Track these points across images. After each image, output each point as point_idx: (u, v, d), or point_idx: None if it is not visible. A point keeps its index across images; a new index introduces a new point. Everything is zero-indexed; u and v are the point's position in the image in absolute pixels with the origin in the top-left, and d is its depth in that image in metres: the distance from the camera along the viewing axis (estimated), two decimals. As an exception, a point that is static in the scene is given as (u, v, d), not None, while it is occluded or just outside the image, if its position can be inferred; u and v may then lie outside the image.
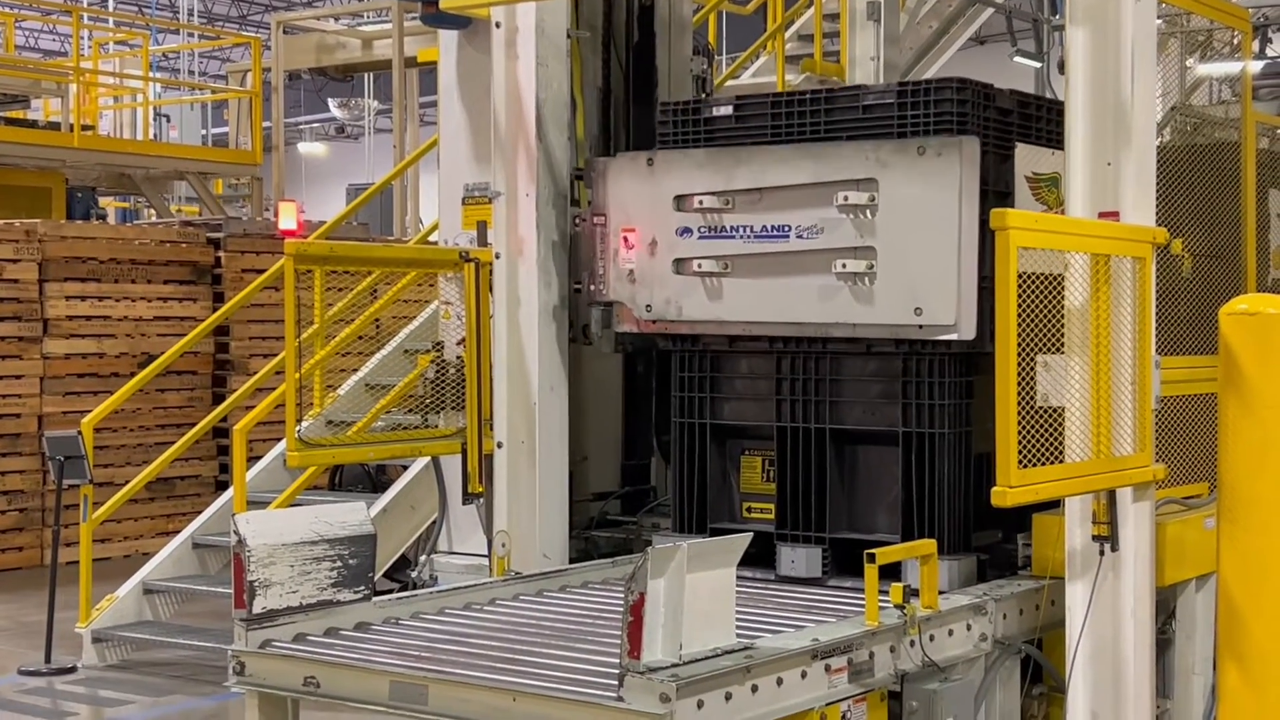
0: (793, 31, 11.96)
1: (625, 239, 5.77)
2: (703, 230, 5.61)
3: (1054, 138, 5.44)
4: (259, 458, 9.85)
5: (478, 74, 6.79)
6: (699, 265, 5.60)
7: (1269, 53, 14.87)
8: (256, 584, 4.59)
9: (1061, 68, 5.07)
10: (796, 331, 5.48)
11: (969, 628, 4.93)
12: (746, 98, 5.79)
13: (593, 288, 5.88)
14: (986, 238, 5.12)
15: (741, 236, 5.54)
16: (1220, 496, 4.76)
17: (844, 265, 5.29)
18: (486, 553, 6.04)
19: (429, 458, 7.88)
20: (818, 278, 5.37)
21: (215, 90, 23.95)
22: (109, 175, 16.97)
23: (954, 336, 5.16)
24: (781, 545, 5.48)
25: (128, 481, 10.00)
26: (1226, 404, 4.71)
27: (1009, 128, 5.43)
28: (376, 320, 9.51)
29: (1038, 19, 14.38)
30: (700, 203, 5.58)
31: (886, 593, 4.58)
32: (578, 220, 5.95)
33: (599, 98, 6.54)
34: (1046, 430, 4.46)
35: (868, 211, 5.26)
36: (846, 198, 5.27)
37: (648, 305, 5.74)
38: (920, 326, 5.21)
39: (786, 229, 5.44)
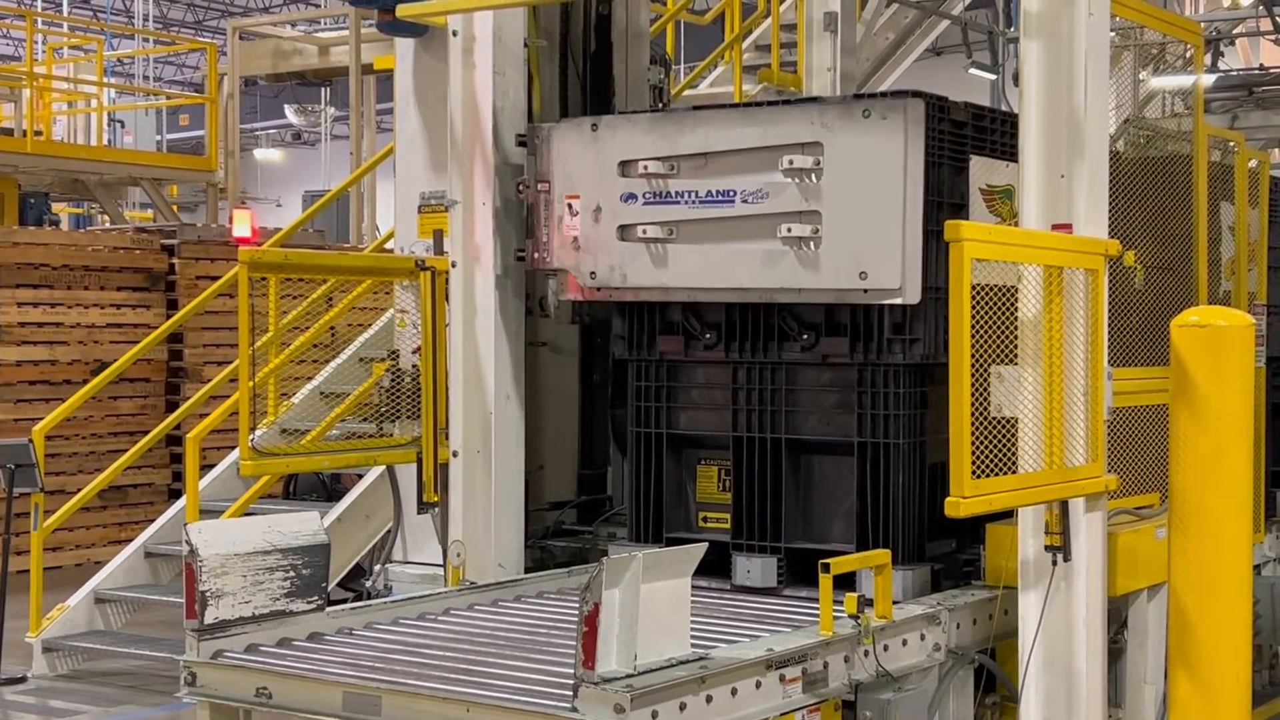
0: (750, 42, 11.98)
1: (569, 206, 5.75)
2: (648, 196, 5.59)
3: (1008, 150, 5.48)
4: (212, 466, 9.78)
5: (435, 82, 6.76)
6: (644, 231, 5.57)
7: (1221, 66, 15.01)
8: (208, 594, 4.56)
9: (1017, 80, 5.10)
10: (741, 297, 5.47)
11: (923, 637, 4.94)
12: (704, 107, 5.80)
13: (536, 255, 5.84)
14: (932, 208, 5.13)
15: (686, 202, 5.52)
16: (1171, 507, 4.80)
17: (789, 229, 5.28)
18: (441, 562, 6.02)
19: (384, 467, 7.84)
20: (763, 242, 5.36)
21: (170, 96, 23.80)
22: (62, 181, 16.83)
23: (899, 301, 5.17)
24: (737, 555, 5.48)
25: (80, 489, 9.92)
26: (1178, 415, 4.74)
27: (963, 140, 5.46)
28: (332, 328, 9.47)
29: (993, 31, 14.47)
30: (645, 168, 5.56)
31: (841, 602, 4.59)
32: (521, 187, 5.91)
33: (556, 107, 6.53)
34: (1000, 441, 4.48)
35: (813, 175, 5.26)
36: (791, 161, 5.26)
37: (592, 273, 5.71)
38: (865, 291, 5.21)
39: (731, 194, 5.43)
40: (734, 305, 5.56)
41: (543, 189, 5.79)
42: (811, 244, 5.26)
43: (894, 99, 5.18)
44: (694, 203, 5.50)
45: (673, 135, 5.54)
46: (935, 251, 5.16)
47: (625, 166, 5.64)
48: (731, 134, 5.43)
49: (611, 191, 5.65)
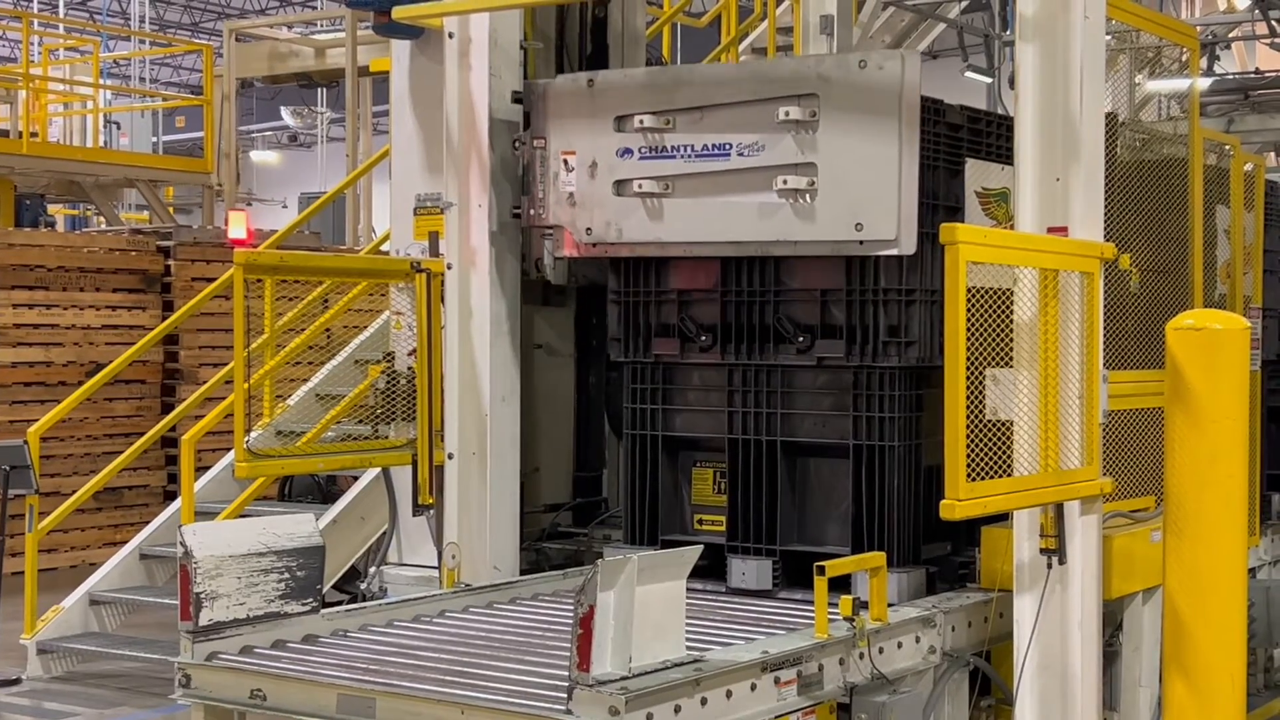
0: (746, 45, 11.99)
1: (565, 162, 5.75)
2: (643, 151, 5.59)
3: (1004, 153, 5.48)
4: (208, 468, 9.78)
5: (430, 84, 6.76)
6: (639, 186, 5.57)
7: (1217, 70, 15.02)
8: (203, 596, 4.56)
9: (1012, 83, 5.11)
10: (737, 251, 5.47)
11: (918, 640, 4.94)
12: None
13: (532, 212, 5.84)
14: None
15: (682, 156, 5.52)
16: (1166, 510, 4.80)
17: (785, 182, 5.28)
18: (436, 564, 6.01)
19: (379, 469, 7.84)
20: (759, 195, 5.36)
21: (166, 98, 23.79)
22: (58, 182, 16.81)
23: (894, 251, 5.17)
24: (732, 557, 5.48)
25: (75, 491, 9.91)
26: (1173, 418, 4.75)
27: (959, 143, 5.46)
28: (327, 330, 9.47)
29: (989, 34, 14.45)
30: (641, 123, 5.56)
31: (836, 605, 4.59)
32: (517, 144, 5.91)
33: (552, 109, 6.52)
34: (995, 444, 4.48)
35: (809, 128, 5.26)
36: (788, 113, 5.25)
37: (588, 228, 5.71)
38: (861, 242, 5.21)
39: (727, 147, 5.42)
40: (730, 306, 5.56)
41: (539, 145, 5.80)
42: (807, 196, 5.26)
43: (890, 50, 5.17)
44: (690, 157, 5.50)
45: (669, 89, 5.54)
46: (931, 253, 5.16)
47: (621, 121, 5.64)
48: (727, 87, 5.43)
49: (607, 147, 5.65)
